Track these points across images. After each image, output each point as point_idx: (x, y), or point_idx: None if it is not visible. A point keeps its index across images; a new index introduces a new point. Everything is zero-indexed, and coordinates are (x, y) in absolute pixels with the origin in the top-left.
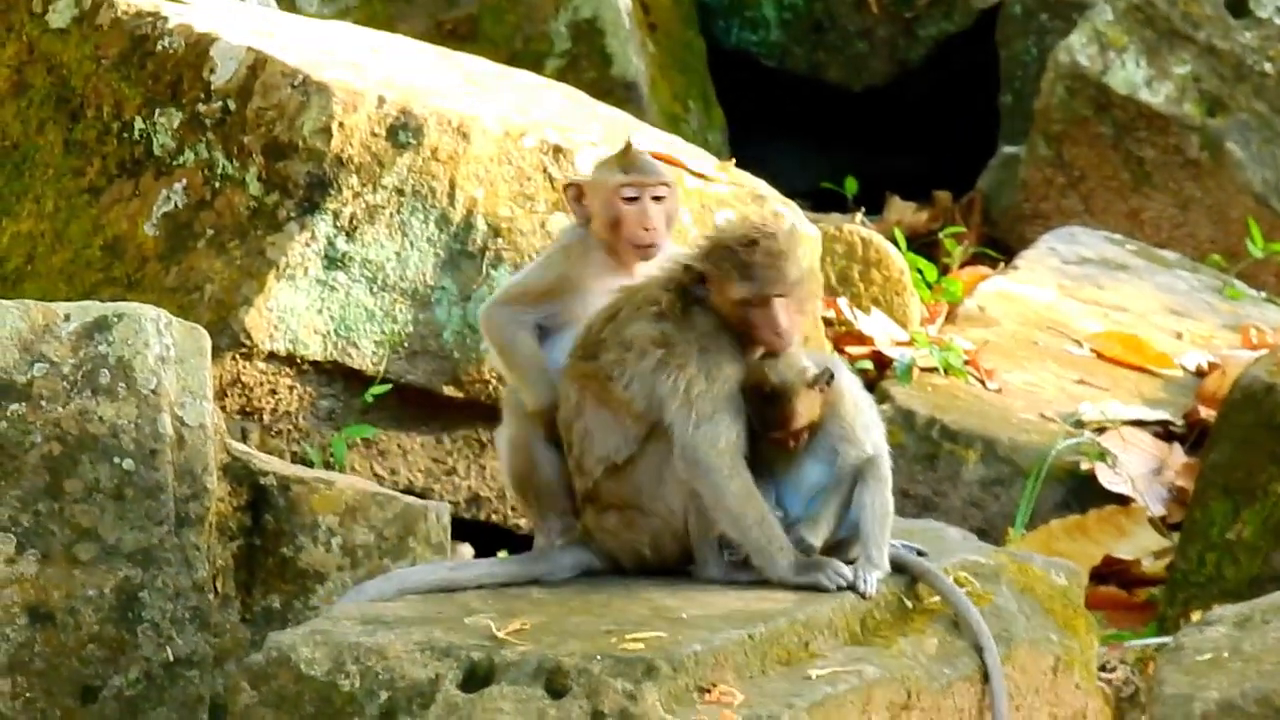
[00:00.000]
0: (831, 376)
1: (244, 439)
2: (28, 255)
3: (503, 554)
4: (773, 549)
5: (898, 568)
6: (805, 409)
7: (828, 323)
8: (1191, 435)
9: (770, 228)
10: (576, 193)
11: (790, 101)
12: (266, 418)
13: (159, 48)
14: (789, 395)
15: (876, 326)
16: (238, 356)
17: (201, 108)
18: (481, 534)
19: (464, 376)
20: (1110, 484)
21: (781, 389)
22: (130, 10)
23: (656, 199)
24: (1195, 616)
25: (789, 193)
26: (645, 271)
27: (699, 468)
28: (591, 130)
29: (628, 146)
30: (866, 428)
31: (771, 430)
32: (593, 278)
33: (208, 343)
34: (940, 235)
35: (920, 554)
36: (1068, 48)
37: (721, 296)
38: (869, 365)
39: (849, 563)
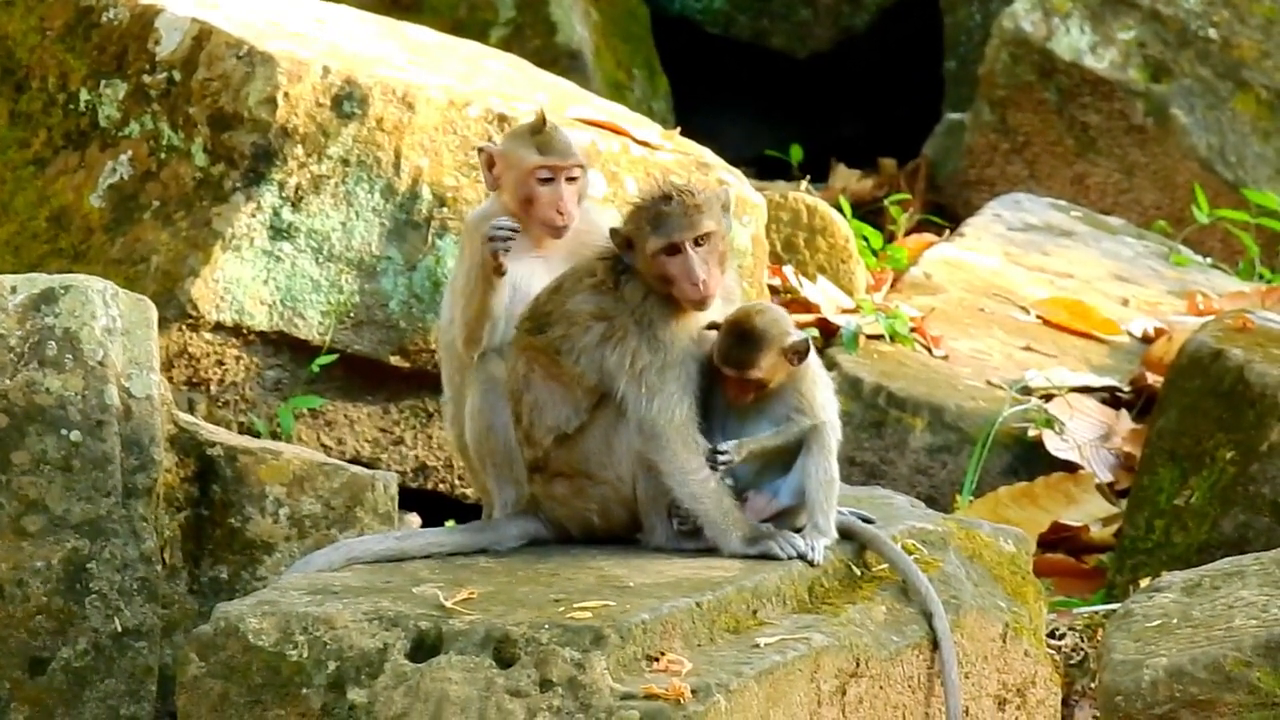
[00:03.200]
0: (807, 351)
1: (191, 410)
2: None
3: (450, 523)
4: (726, 522)
5: (846, 535)
6: (769, 365)
7: (773, 290)
8: (1138, 401)
9: (689, 186)
10: (489, 160)
11: (735, 69)
12: (213, 388)
13: (104, 19)
14: (761, 343)
15: (822, 294)
16: (184, 328)
17: (147, 79)
18: (429, 503)
19: (410, 346)
20: (1058, 451)
21: (758, 334)
22: None
23: (571, 179)
24: (1144, 583)
25: (734, 160)
26: (554, 245)
27: (656, 441)
28: (536, 99)
29: (543, 122)
30: (823, 404)
31: (727, 367)
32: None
33: (154, 314)
34: (885, 202)
35: (868, 521)
36: (1012, 14)
37: (641, 255)
38: (815, 333)
39: (796, 531)
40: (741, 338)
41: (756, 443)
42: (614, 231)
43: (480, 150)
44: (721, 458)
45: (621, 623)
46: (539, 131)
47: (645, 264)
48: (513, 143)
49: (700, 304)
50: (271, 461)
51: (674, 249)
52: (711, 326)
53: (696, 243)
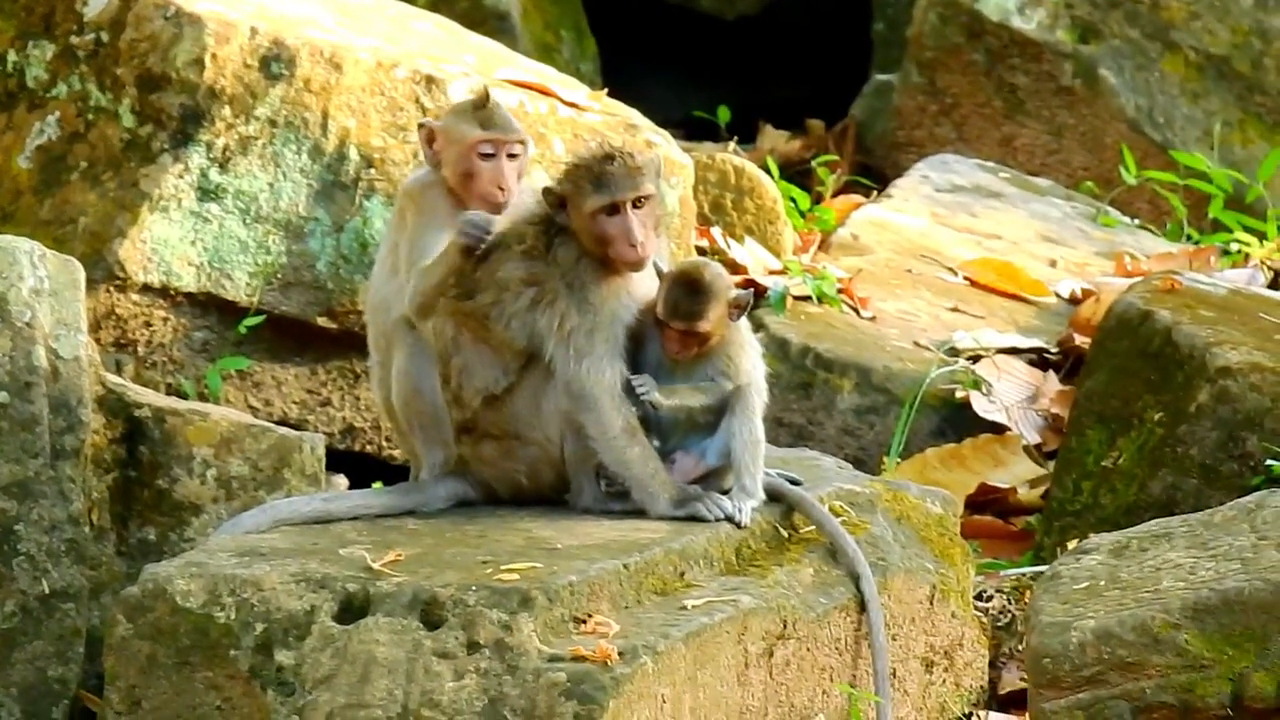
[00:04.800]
0: (748, 305)
1: (119, 371)
2: None
3: (378, 485)
4: (654, 484)
5: (773, 497)
6: (715, 316)
7: (701, 252)
8: (1066, 363)
9: (628, 147)
10: (428, 135)
11: (663, 30)
12: (141, 350)
13: None
14: (710, 295)
15: (750, 255)
16: (112, 289)
17: (74, 40)
18: (356, 465)
19: (337, 308)
20: (985, 412)
21: (707, 286)
22: None
23: (512, 156)
24: (1071, 545)
25: (662, 122)
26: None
27: (583, 402)
28: (464, 61)
29: (486, 97)
30: (749, 367)
31: (674, 320)
32: (445, 218)
33: (82, 275)
34: (813, 164)
35: (795, 483)
36: None
37: (578, 215)
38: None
39: (724, 492)
40: (690, 289)
41: (679, 393)
42: (547, 190)
43: (420, 126)
44: (639, 390)
45: (549, 585)
46: (482, 107)
47: (582, 223)
48: (454, 118)
49: (636, 265)
50: (199, 423)
51: (614, 209)
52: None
53: (636, 204)
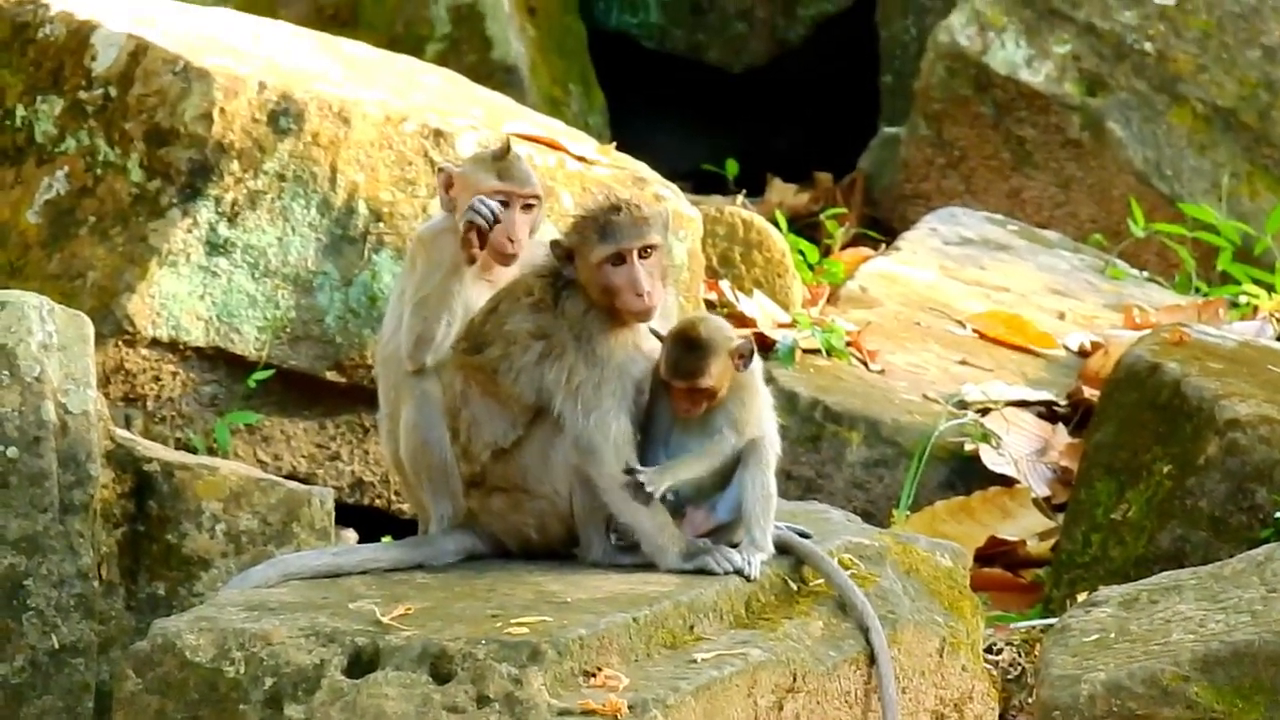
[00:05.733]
0: (752, 353)
1: (128, 426)
2: None
3: (387, 539)
4: (663, 537)
5: (782, 550)
6: (717, 373)
7: (709, 305)
8: (1075, 415)
9: (635, 199)
10: (446, 180)
11: (670, 83)
12: (150, 404)
13: (40, 35)
14: (710, 351)
15: (758, 308)
16: (121, 343)
17: (83, 95)
18: (365, 519)
19: (346, 361)
20: (994, 465)
21: (706, 342)
22: None
23: (526, 208)
24: (1081, 597)
25: (670, 175)
26: (503, 271)
27: (592, 457)
28: (472, 114)
29: (507, 148)
30: (760, 417)
31: (676, 379)
32: (453, 265)
33: (90, 330)
34: (822, 216)
35: (804, 536)
36: (947, 28)
37: (585, 266)
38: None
39: (733, 546)
40: (689, 346)
41: (682, 467)
42: (554, 244)
43: (440, 170)
44: (646, 486)
45: (558, 638)
46: (501, 158)
47: (589, 274)
48: (473, 166)
49: (643, 315)
50: (208, 477)
51: (620, 258)
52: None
53: (642, 254)
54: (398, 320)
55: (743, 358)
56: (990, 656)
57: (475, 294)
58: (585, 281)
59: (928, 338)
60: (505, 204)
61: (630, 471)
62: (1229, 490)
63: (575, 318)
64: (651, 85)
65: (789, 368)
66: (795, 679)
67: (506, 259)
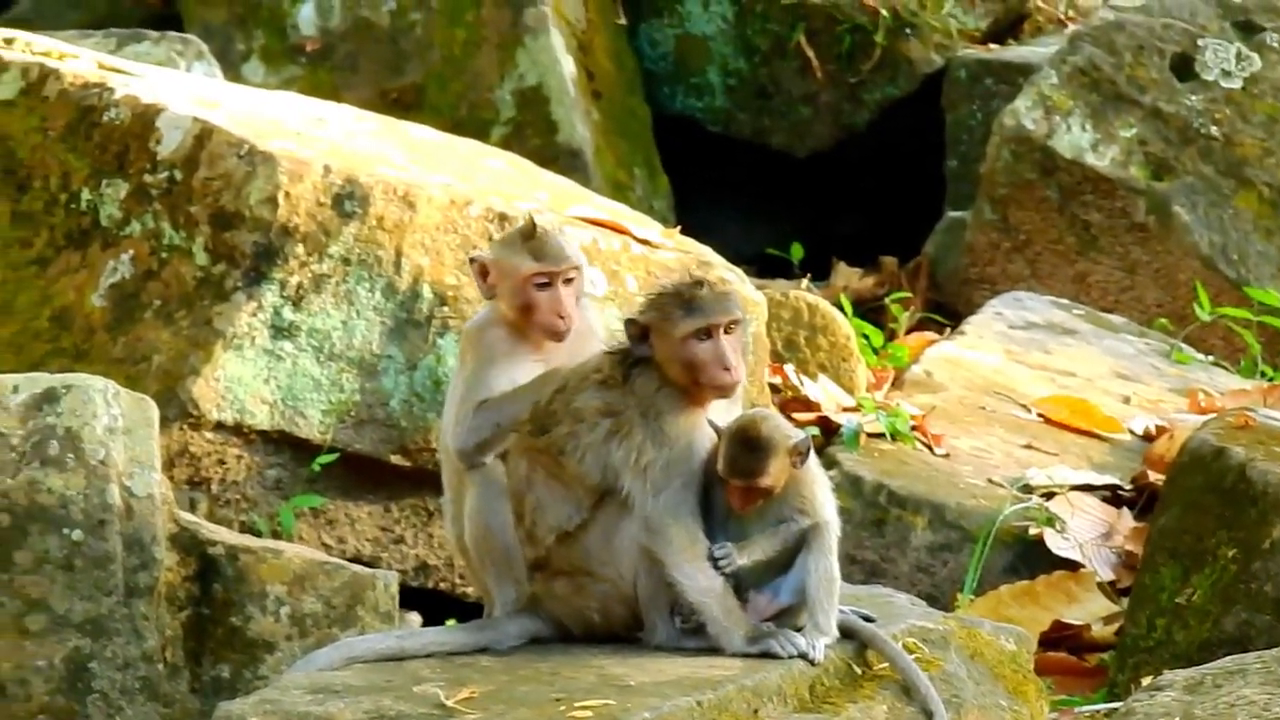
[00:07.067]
0: (809, 450)
1: (192, 509)
2: None
3: (451, 622)
4: (729, 620)
5: (846, 634)
6: (776, 470)
7: (774, 389)
8: (1140, 500)
9: (712, 275)
10: (481, 268)
11: (735, 167)
12: (214, 487)
13: (105, 119)
14: (769, 451)
15: (823, 392)
16: (185, 426)
17: (148, 178)
18: (429, 602)
19: (411, 445)
20: (1059, 549)
21: (765, 442)
22: (77, 81)
23: (567, 281)
24: (1145, 682)
25: (735, 259)
26: (554, 346)
27: (660, 537)
28: (537, 198)
29: (533, 226)
30: (823, 502)
31: (734, 478)
32: (504, 356)
33: (155, 413)
34: (886, 300)
35: (868, 620)
36: (1013, 112)
37: (666, 341)
38: (816, 431)
39: (797, 629)
40: (748, 446)
41: (756, 547)
42: (630, 321)
43: (472, 260)
44: (721, 561)
45: None
46: (531, 237)
47: (669, 350)
48: (505, 249)
49: (728, 390)
50: (273, 560)
51: (706, 333)
52: (713, 428)
53: (727, 329)
54: (455, 414)
55: (800, 455)
56: None
57: (529, 374)
58: (663, 358)
59: (992, 422)
60: (548, 284)
61: (711, 554)
62: None
63: (646, 396)
64: (716, 169)
65: (854, 451)
66: None
67: (559, 335)
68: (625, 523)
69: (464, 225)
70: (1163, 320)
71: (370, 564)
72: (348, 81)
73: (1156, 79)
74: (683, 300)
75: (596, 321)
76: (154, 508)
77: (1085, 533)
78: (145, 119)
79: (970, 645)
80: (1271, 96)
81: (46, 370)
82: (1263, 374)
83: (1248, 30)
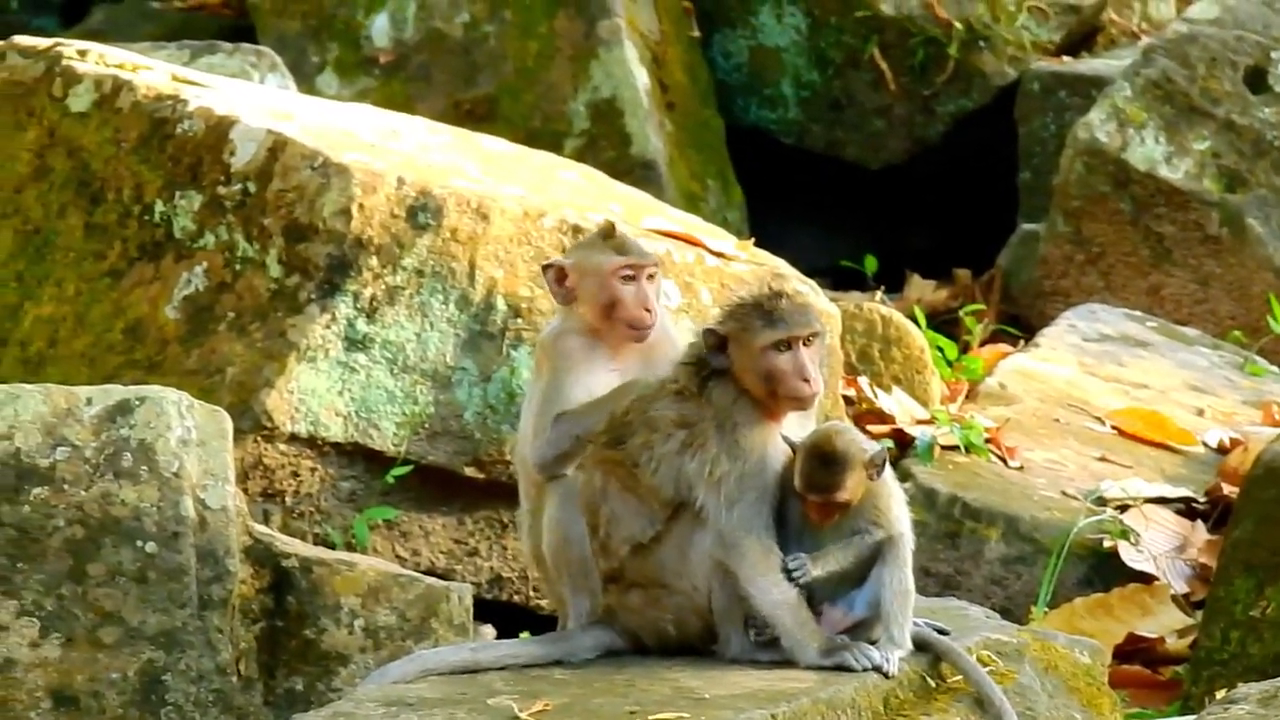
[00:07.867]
0: (884, 463)
1: (266, 521)
2: (49, 339)
3: (525, 635)
4: (803, 633)
5: (920, 646)
6: (853, 484)
7: (848, 401)
8: (1214, 512)
9: (788, 287)
10: (558, 274)
11: (808, 179)
12: (288, 500)
13: (179, 131)
14: (845, 465)
15: (897, 405)
16: (259, 439)
17: (221, 190)
18: (503, 614)
19: (485, 457)
20: (1133, 561)
21: (841, 456)
22: (150, 94)
23: (650, 278)
24: (1220, 694)
25: (808, 271)
26: (629, 356)
27: (735, 550)
28: (610, 210)
29: (612, 228)
30: (897, 516)
31: (811, 493)
32: (581, 364)
33: (229, 425)
34: (960, 313)
35: (943, 632)
36: (1087, 124)
37: (746, 352)
38: (890, 443)
39: (871, 642)
40: (824, 461)
41: (830, 559)
42: (709, 331)
43: (546, 267)
44: (796, 573)
45: None
46: (611, 236)
47: (748, 361)
48: (586, 250)
49: (806, 402)
50: (346, 573)
51: (786, 344)
52: (788, 444)
53: (806, 341)
54: (533, 426)
55: (876, 468)
56: None
57: (605, 384)
58: (741, 370)
59: (1066, 434)
60: (633, 277)
61: (786, 566)
62: None
63: (722, 407)
64: (789, 181)
65: (928, 464)
66: None
67: (643, 331)
68: (699, 535)
69: (537, 237)
70: (1236, 333)
71: (444, 576)
72: (421, 93)
73: (1230, 91)
74: (763, 311)
75: (673, 330)
76: (228, 520)
77: (1159, 545)
78: (219, 131)
79: (1044, 658)
80: None
81: (120, 383)
82: None
83: None
